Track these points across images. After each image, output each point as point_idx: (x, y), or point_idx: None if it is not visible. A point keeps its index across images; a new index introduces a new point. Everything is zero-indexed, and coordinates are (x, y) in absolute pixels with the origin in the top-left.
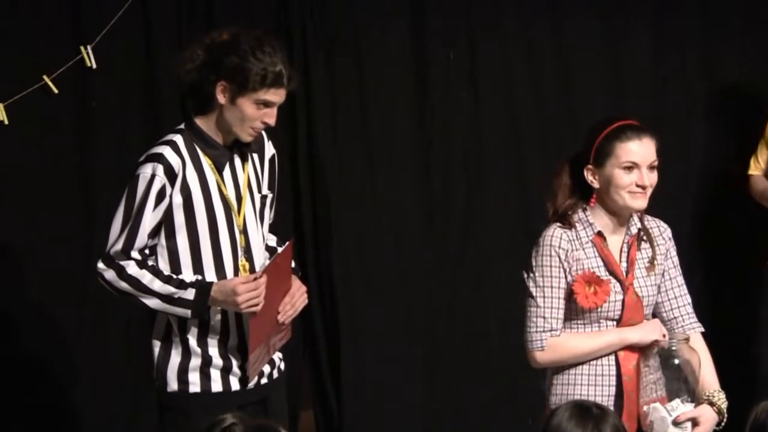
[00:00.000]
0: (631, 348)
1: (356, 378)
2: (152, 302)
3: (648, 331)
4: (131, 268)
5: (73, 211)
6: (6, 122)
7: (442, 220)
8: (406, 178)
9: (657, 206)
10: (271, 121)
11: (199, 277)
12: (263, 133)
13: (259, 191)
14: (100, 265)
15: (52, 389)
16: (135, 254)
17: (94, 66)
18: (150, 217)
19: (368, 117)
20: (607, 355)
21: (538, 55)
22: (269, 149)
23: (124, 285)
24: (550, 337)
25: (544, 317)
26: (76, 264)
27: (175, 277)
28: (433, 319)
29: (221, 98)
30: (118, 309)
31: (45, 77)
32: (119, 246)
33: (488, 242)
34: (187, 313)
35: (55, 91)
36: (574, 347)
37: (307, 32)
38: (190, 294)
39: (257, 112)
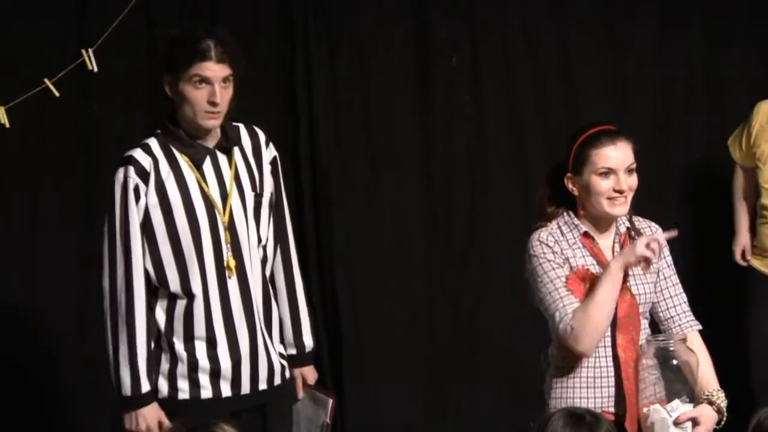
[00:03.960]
0: (631, 351)
1: (359, 381)
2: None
3: (632, 250)
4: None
5: (74, 214)
6: (7, 125)
7: (445, 223)
8: (409, 180)
9: (657, 208)
10: (216, 98)
11: (147, 390)
12: (262, 135)
13: (254, 190)
14: (107, 284)
15: (52, 390)
16: (140, 291)
17: (96, 69)
18: (137, 226)
19: (371, 120)
20: (605, 356)
21: (541, 58)
22: (271, 152)
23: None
24: (571, 319)
25: (563, 305)
26: (77, 266)
27: (142, 362)
28: (436, 322)
29: (170, 92)
30: None
31: (46, 80)
32: (121, 269)
33: (491, 245)
34: (116, 388)
35: (57, 94)
36: (590, 309)
37: (309, 35)
38: (126, 378)
39: (198, 91)
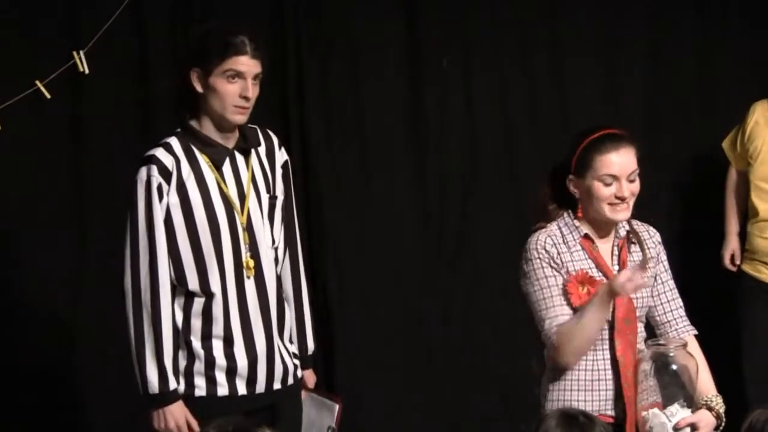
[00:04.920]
0: (630, 355)
1: (349, 382)
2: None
3: (618, 278)
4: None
5: (68, 215)
6: None
7: (436, 226)
8: (400, 183)
9: (650, 210)
10: (249, 93)
11: (176, 388)
12: (275, 138)
13: (268, 192)
14: (128, 282)
15: (51, 389)
16: (165, 289)
17: (87, 71)
18: (162, 224)
19: (363, 122)
20: (603, 359)
21: (532, 61)
22: (283, 155)
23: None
24: (555, 334)
25: (554, 315)
26: (72, 267)
27: (168, 359)
28: (428, 325)
29: (198, 87)
30: (117, 309)
31: (38, 82)
32: (145, 267)
33: (483, 248)
34: (142, 386)
35: (48, 96)
36: (573, 330)
37: (301, 38)
38: (153, 376)
39: (231, 86)
